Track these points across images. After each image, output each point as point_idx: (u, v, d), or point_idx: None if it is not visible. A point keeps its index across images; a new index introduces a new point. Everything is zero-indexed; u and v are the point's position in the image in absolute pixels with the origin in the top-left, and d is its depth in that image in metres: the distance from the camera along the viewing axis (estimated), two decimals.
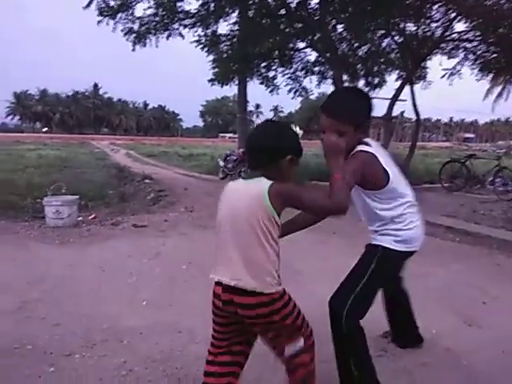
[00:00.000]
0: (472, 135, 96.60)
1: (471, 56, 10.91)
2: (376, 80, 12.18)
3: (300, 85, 11.95)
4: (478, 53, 10.59)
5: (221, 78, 11.40)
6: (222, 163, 12.78)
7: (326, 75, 11.83)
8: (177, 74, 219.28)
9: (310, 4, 9.70)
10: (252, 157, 1.64)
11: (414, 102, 10.96)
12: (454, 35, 10.41)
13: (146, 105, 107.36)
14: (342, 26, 10.18)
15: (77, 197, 6.19)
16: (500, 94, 17.92)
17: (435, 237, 5.39)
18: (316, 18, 9.47)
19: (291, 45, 10.86)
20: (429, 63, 11.88)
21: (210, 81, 11.54)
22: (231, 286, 1.53)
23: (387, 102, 10.55)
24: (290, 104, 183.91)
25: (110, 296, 3.35)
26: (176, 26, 10.00)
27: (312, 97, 19.89)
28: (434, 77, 12.32)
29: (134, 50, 10.12)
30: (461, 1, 8.47)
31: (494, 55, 10.45)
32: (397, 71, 12.01)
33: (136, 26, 9.84)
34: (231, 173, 12.36)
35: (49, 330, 2.72)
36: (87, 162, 17.57)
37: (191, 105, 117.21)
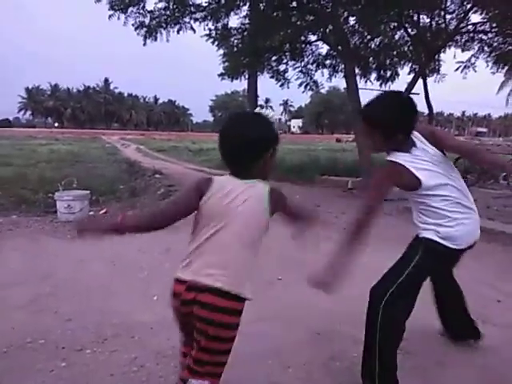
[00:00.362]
0: (485, 129, 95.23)
1: (487, 48, 10.69)
2: (388, 73, 11.99)
3: (311, 78, 11.82)
4: (494, 45, 10.36)
5: (231, 72, 11.34)
6: None
7: (337, 68, 11.69)
8: (187, 68, 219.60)
9: None
10: (233, 154, 1.50)
11: (427, 95, 10.80)
12: (469, 27, 10.20)
13: (156, 99, 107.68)
14: (354, 18, 10.03)
15: (88, 192, 6.22)
16: None
17: None
18: (328, 11, 9.34)
19: (302, 38, 10.72)
20: (442, 56, 11.68)
21: (220, 75, 11.49)
22: (198, 286, 1.44)
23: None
24: (300, 98, 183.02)
25: (121, 291, 3.35)
26: (187, 19, 9.94)
27: (322, 91, 19.76)
28: (448, 70, 12.12)
29: (145, 44, 10.08)
30: None
31: (511, 47, 10.22)
32: (409, 64, 11.82)
33: (147, 20, 9.81)
34: None
35: (61, 325, 2.73)
36: (98, 156, 17.68)
37: (201, 99, 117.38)
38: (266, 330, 2.64)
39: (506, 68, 11.95)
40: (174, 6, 9.57)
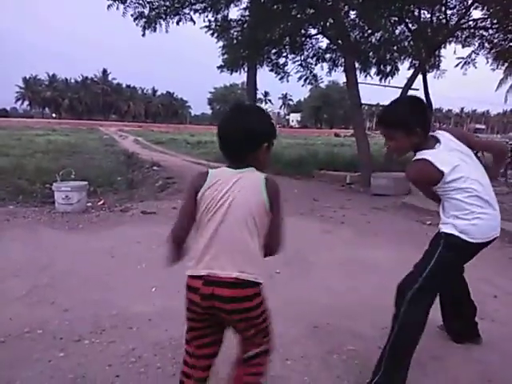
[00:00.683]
0: (483, 126, 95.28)
1: (487, 45, 10.66)
2: (388, 68, 11.95)
3: (311, 72, 11.77)
4: (495, 41, 10.33)
5: (230, 65, 11.26)
6: None
7: (337, 63, 11.64)
8: (186, 60, 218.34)
9: None
10: (233, 144, 1.52)
11: (427, 91, 10.79)
12: (470, 23, 10.16)
13: (154, 91, 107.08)
14: (354, 12, 9.96)
15: (86, 182, 6.20)
16: None
17: None
18: (328, 4, 9.27)
19: (303, 31, 10.65)
20: (442, 52, 11.66)
21: (219, 67, 11.41)
22: (213, 280, 1.45)
23: (399, 91, 10.38)
24: (299, 92, 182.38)
25: (120, 282, 3.35)
26: (187, 10, 9.83)
27: (322, 85, 19.71)
28: (448, 65, 12.11)
29: (144, 35, 9.97)
30: None
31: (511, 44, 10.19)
32: (409, 59, 11.79)
33: (146, 11, 9.69)
34: None
35: (58, 315, 2.73)
36: (96, 148, 17.63)
37: (199, 92, 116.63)
38: None
39: (506, 65, 11.94)
40: None
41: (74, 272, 3.54)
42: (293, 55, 11.36)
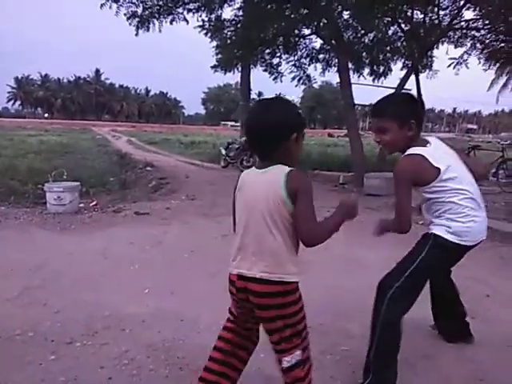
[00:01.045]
0: (475, 126, 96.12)
1: (479, 45, 10.73)
2: (381, 68, 11.98)
3: (304, 72, 11.77)
4: (487, 42, 10.41)
5: (224, 65, 11.23)
6: (224, 151, 12.73)
7: (330, 63, 11.65)
8: (179, 60, 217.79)
9: None
10: (256, 140, 1.55)
11: (419, 91, 10.81)
12: (462, 23, 10.23)
13: (147, 91, 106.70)
14: (348, 12, 9.98)
15: (78, 183, 6.15)
16: (505, 85, 17.77)
17: None
18: (322, 4, 9.28)
19: (296, 31, 10.66)
20: (435, 52, 11.71)
21: (212, 67, 11.37)
22: (245, 276, 1.52)
23: (392, 92, 10.42)
24: (293, 92, 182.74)
25: (112, 283, 3.33)
26: (180, 10, 9.80)
27: (315, 85, 19.75)
28: (440, 66, 12.16)
29: (137, 34, 9.91)
30: None
31: (503, 44, 10.28)
32: (402, 60, 11.83)
33: (139, 10, 9.64)
34: (233, 161, 12.31)
35: (50, 317, 2.70)
36: (88, 148, 17.52)
37: (193, 92, 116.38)
38: None
39: (498, 65, 12.04)
40: None
41: (66, 273, 3.51)
42: (286, 55, 11.37)
